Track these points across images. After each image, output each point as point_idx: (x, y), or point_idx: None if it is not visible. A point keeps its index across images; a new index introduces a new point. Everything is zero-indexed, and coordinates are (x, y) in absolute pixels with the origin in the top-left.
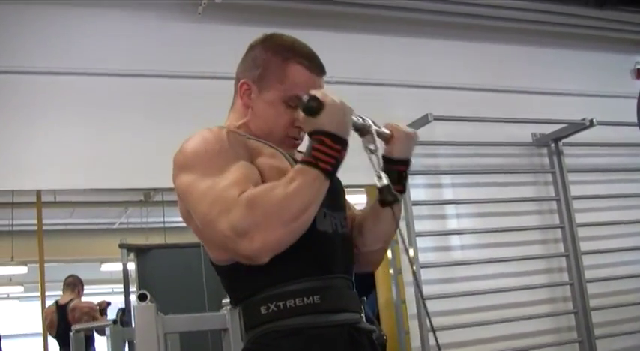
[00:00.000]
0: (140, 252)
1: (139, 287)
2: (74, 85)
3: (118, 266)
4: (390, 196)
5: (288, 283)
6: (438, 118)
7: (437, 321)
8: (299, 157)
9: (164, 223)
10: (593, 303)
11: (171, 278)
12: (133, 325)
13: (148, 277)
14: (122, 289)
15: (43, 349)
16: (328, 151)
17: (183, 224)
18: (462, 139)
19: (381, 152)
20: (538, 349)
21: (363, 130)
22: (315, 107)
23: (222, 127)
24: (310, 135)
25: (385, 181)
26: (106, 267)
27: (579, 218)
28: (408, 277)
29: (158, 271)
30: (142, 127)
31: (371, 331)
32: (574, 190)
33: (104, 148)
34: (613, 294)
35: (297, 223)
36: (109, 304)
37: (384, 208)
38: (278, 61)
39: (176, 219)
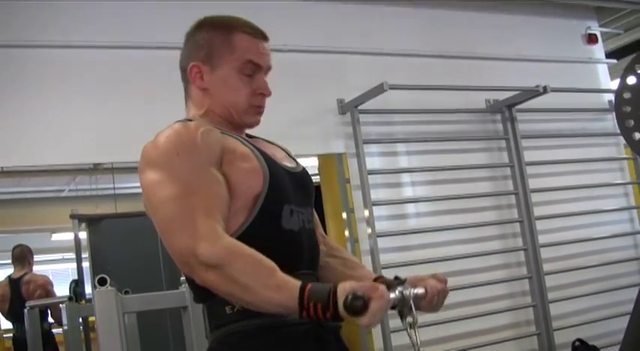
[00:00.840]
0: (92, 222)
1: (92, 258)
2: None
3: (69, 236)
4: None
5: None
6: (393, 87)
7: None
8: (258, 142)
9: (114, 189)
10: (546, 267)
11: (125, 248)
12: (86, 295)
13: (100, 247)
14: (73, 257)
15: None
16: (320, 317)
17: (134, 191)
18: (417, 107)
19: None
20: (493, 314)
21: (401, 304)
22: (357, 310)
23: (199, 124)
24: (332, 295)
25: None
26: (57, 237)
27: (533, 184)
28: (364, 245)
29: (110, 241)
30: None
31: (337, 328)
32: (527, 156)
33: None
34: (565, 258)
35: (242, 303)
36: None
37: None
38: (222, 35)
39: (126, 185)
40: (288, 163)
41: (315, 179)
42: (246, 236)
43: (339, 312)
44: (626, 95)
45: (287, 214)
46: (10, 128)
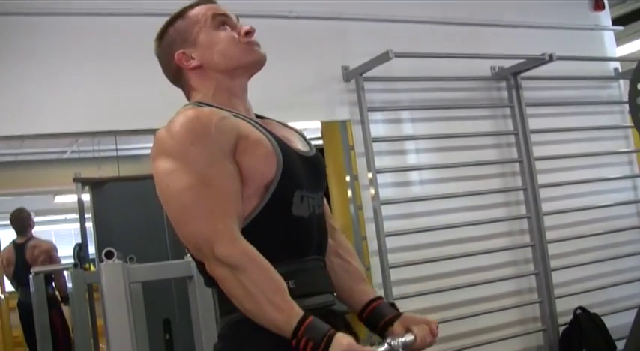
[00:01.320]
0: (95, 186)
1: (95, 222)
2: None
3: (72, 198)
4: None
5: None
6: (398, 55)
7: (397, 257)
8: (272, 125)
9: (117, 150)
10: (549, 235)
11: (129, 212)
12: (90, 256)
13: (103, 211)
14: (76, 217)
15: None
16: None
17: (137, 152)
18: (422, 74)
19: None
20: (496, 282)
21: None
22: None
23: (213, 109)
24: (325, 339)
25: None
26: (60, 199)
27: (537, 151)
28: (368, 213)
29: (114, 205)
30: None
31: (345, 312)
32: (532, 124)
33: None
34: (568, 226)
35: (237, 304)
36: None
37: None
38: (180, 21)
39: (129, 147)
40: (302, 147)
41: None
42: (255, 223)
43: None
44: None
45: (297, 200)
46: (11, 96)
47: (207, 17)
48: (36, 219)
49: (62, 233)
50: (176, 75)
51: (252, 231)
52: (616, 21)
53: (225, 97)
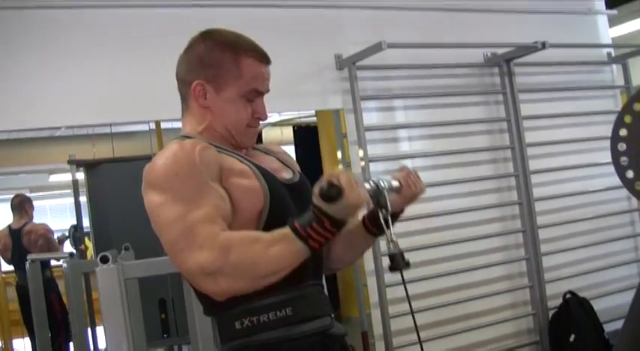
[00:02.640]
0: (89, 167)
1: (90, 202)
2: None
3: (66, 177)
4: (403, 263)
5: (261, 297)
6: (391, 45)
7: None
8: (255, 155)
9: (111, 126)
10: (540, 221)
11: (122, 192)
12: (84, 229)
13: (98, 191)
14: (70, 192)
15: None
16: (323, 233)
17: (131, 129)
18: (414, 62)
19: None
20: (487, 267)
21: (376, 194)
22: (334, 196)
23: (196, 141)
24: (314, 207)
25: (398, 247)
26: (55, 178)
27: (529, 137)
28: None
29: (108, 185)
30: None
31: (342, 336)
32: (524, 110)
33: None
34: (559, 211)
35: (264, 281)
36: (67, 237)
37: (392, 272)
38: (229, 58)
39: (123, 123)
40: (285, 175)
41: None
42: None
43: (333, 216)
44: (622, 132)
45: None
46: (10, 91)
47: (248, 87)
48: (31, 194)
49: (57, 208)
50: (184, 85)
51: None
52: (609, 2)
53: (213, 137)
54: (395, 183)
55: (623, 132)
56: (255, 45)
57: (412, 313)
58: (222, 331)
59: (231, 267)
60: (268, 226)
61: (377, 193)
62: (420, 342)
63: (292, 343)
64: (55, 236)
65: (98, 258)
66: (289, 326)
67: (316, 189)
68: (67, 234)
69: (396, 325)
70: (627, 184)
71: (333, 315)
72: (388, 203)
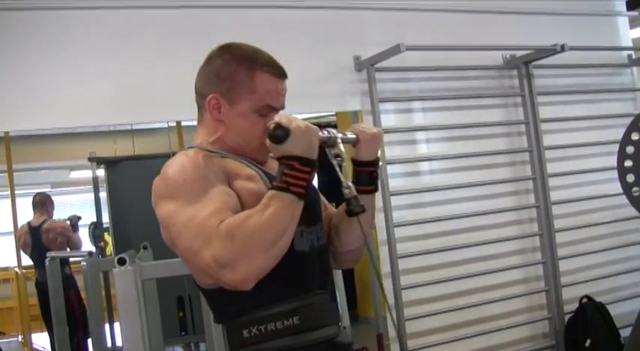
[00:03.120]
0: (110, 164)
1: (110, 199)
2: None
3: (86, 173)
4: (358, 207)
5: (269, 306)
6: (409, 48)
7: (405, 246)
8: (273, 166)
9: (132, 124)
10: (557, 224)
11: (142, 189)
12: (104, 225)
13: (118, 188)
14: (91, 188)
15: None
16: (298, 175)
17: (151, 126)
18: (433, 64)
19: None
20: (504, 271)
21: (329, 143)
22: (281, 135)
23: (200, 149)
24: (279, 159)
25: (353, 191)
26: (75, 174)
27: (547, 140)
28: (377, 203)
29: (128, 182)
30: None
31: (349, 345)
32: (543, 113)
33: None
34: (577, 214)
35: (277, 247)
36: (79, 218)
37: (351, 217)
38: (244, 72)
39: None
40: None
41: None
42: None
43: (304, 157)
44: (629, 150)
45: (298, 235)
46: (28, 91)
47: (262, 102)
48: (52, 190)
49: (78, 203)
50: (200, 97)
51: None
52: (631, 4)
53: (224, 148)
54: (350, 134)
55: (635, 136)
56: (271, 60)
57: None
58: (230, 340)
59: (240, 248)
60: None
61: (330, 142)
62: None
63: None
64: (67, 217)
65: (115, 260)
66: (296, 335)
67: (266, 135)
68: (78, 215)
69: (411, 328)
70: (626, 188)
71: (340, 323)
72: (342, 148)
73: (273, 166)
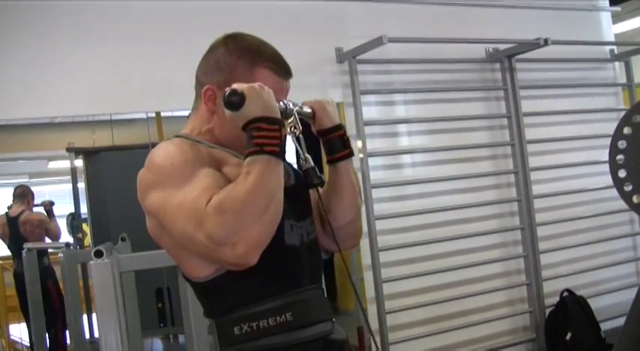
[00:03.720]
0: (88, 155)
1: (88, 190)
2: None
3: (65, 164)
4: (316, 178)
5: (260, 302)
6: (392, 40)
7: (386, 239)
8: None
9: (110, 114)
10: (539, 218)
11: (121, 180)
12: (82, 216)
13: (96, 179)
14: (69, 178)
15: None
16: (268, 134)
17: (131, 116)
18: (415, 56)
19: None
20: (485, 264)
21: (285, 114)
22: (237, 100)
23: (185, 139)
24: (244, 127)
25: (310, 163)
26: (54, 165)
27: (529, 134)
28: None
29: (107, 173)
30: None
31: (343, 341)
32: (525, 106)
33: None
34: (558, 208)
35: (269, 213)
36: (52, 203)
37: (312, 189)
38: (244, 66)
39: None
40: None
41: None
42: None
43: (267, 116)
44: (621, 144)
45: (288, 229)
46: (6, 80)
47: None
48: (31, 180)
49: (56, 193)
50: (198, 87)
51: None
52: None
53: (213, 140)
54: (307, 109)
55: (627, 130)
56: (276, 56)
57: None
58: (221, 337)
59: (233, 220)
60: None
61: (287, 113)
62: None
63: (293, 349)
64: (41, 202)
65: (92, 252)
66: (289, 332)
67: (223, 105)
68: (51, 200)
69: (392, 321)
70: (617, 183)
71: (334, 319)
72: (297, 119)
73: None
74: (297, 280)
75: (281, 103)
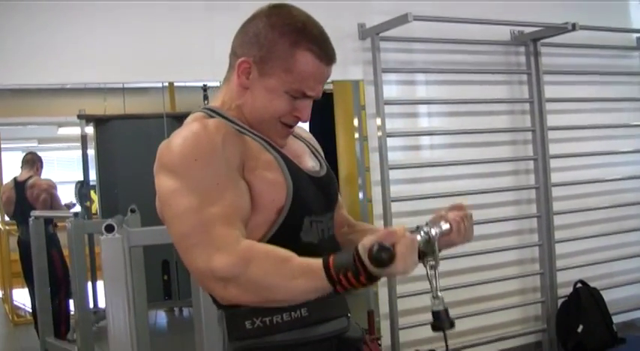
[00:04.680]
0: (99, 122)
1: (98, 158)
2: None
3: (75, 130)
4: (447, 323)
5: None
6: (417, 18)
7: (401, 222)
8: (294, 149)
9: (123, 82)
10: (556, 207)
11: (131, 149)
12: (91, 183)
13: (107, 147)
14: (79, 145)
15: None
16: (355, 284)
17: (143, 85)
18: (439, 36)
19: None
20: (499, 251)
21: (426, 251)
22: (386, 259)
23: (222, 122)
24: (356, 256)
25: (443, 304)
26: (64, 131)
27: (551, 121)
28: (375, 176)
29: (117, 141)
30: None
31: (358, 340)
32: (548, 92)
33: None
34: (576, 197)
35: (275, 303)
36: (74, 204)
37: (434, 331)
38: (285, 45)
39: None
40: (313, 165)
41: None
42: None
43: (371, 271)
44: None
45: (307, 226)
46: (18, 45)
47: (296, 86)
48: (39, 146)
49: (65, 160)
50: (233, 58)
51: None
52: None
53: (244, 119)
54: (445, 226)
55: None
56: (322, 38)
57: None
58: (230, 330)
59: (247, 280)
60: (285, 225)
61: (428, 245)
62: None
63: (306, 347)
64: (64, 203)
65: (103, 227)
66: (304, 328)
67: (367, 242)
68: (74, 202)
69: (402, 305)
70: None
71: (349, 314)
72: (438, 259)
73: (295, 149)
74: None
75: (422, 233)
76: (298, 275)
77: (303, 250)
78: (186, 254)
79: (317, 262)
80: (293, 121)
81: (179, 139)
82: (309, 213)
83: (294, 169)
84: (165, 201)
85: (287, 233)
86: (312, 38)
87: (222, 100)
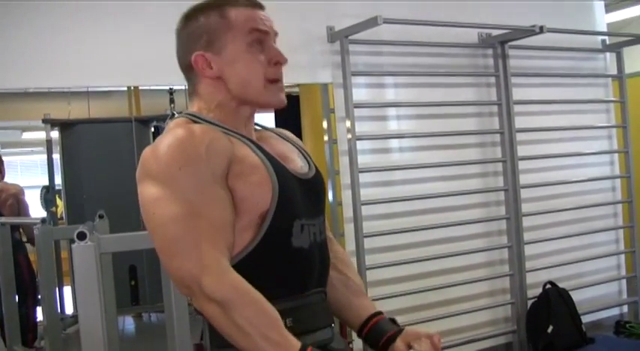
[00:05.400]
0: (64, 127)
1: (63, 162)
2: None
3: (39, 134)
4: None
5: None
6: (387, 21)
7: (372, 225)
8: (268, 140)
9: (87, 86)
10: (525, 208)
11: (97, 153)
12: (56, 187)
13: (72, 151)
14: (43, 150)
15: None
16: None
17: (107, 88)
18: (408, 39)
19: None
20: (468, 254)
21: None
22: None
23: (208, 127)
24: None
25: None
26: (28, 135)
27: (519, 123)
28: (345, 180)
29: (83, 145)
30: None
31: None
32: (516, 94)
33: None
34: (544, 199)
35: (233, 343)
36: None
37: None
38: (216, 17)
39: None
40: (301, 167)
41: None
42: (254, 256)
43: None
44: None
45: (297, 230)
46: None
47: (244, 29)
48: (3, 150)
49: (28, 164)
50: (188, 69)
51: (249, 266)
52: None
53: (227, 115)
54: None
55: None
56: None
57: None
58: (213, 337)
59: (233, 314)
60: (274, 229)
61: None
62: None
63: None
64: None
65: (75, 234)
66: None
67: None
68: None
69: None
70: None
71: (333, 324)
72: None
73: (283, 150)
74: (304, 283)
75: None
76: (274, 343)
77: (295, 255)
78: (172, 260)
79: (295, 343)
80: (277, 70)
81: (163, 145)
82: (298, 216)
83: (280, 170)
84: (149, 209)
85: (276, 238)
86: (230, 0)
87: (198, 107)
